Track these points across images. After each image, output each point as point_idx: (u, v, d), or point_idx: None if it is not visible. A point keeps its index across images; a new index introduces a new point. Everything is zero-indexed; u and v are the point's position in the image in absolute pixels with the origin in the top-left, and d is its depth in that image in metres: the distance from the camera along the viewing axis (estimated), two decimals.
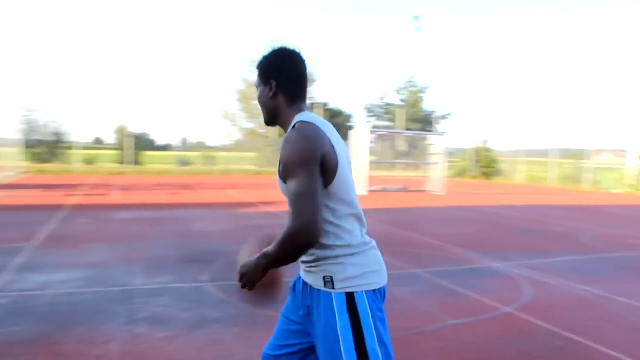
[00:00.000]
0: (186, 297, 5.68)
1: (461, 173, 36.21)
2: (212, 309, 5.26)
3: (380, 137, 32.74)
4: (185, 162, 39.83)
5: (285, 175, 2.10)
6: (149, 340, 4.41)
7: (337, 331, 2.09)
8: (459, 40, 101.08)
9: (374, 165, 22.24)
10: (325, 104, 44.24)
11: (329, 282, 2.14)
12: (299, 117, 2.21)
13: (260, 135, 46.08)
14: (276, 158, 39.26)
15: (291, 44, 2.28)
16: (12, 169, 27.92)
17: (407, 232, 10.74)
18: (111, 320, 4.88)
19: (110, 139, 50.31)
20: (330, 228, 2.12)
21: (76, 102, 63.84)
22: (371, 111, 51.72)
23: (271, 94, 2.26)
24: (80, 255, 7.73)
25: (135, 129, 47.95)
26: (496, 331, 4.92)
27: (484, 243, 9.61)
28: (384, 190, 21.54)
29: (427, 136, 26.07)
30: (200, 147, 50.83)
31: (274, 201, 16.45)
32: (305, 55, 2.28)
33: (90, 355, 4.09)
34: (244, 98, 47.12)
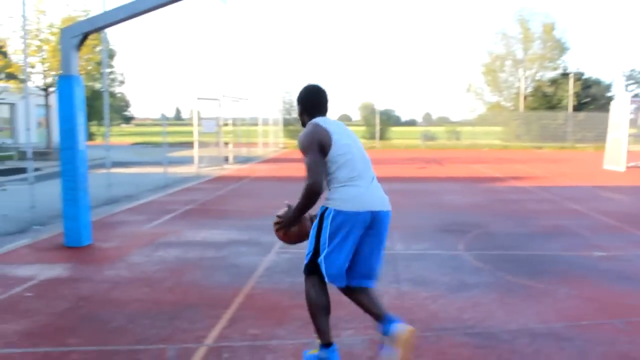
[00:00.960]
0: (444, 263, 6.06)
1: None
2: (469, 275, 5.57)
3: None
4: (429, 137, 40.31)
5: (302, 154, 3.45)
6: (413, 298, 4.88)
7: (313, 226, 3.52)
8: None
9: (634, 138, 20.33)
10: (580, 75, 41.29)
11: (325, 199, 3.46)
12: (310, 121, 3.57)
13: (506, 109, 44.73)
14: (522, 132, 37.82)
15: (314, 81, 3.82)
16: (274, 145, 31.00)
17: None
18: (380, 278, 5.44)
19: (355, 115, 52.80)
20: (330, 175, 3.43)
21: (325, 80, 67.80)
22: (632, 78, 46.90)
23: (300, 112, 3.73)
24: None
25: (381, 105, 49.90)
26: None
27: None
28: None
29: None
30: (443, 121, 50.99)
31: (524, 176, 16.10)
32: (321, 87, 3.73)
33: None
34: (489, 71, 46.04)
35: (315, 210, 3.46)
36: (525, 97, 42.33)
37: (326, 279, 3.47)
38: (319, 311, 3.55)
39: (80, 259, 6.32)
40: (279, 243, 6.99)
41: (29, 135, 8.18)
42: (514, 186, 13.73)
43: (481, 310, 4.58)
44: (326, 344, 3.51)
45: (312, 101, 3.68)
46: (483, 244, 7.01)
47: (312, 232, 3.51)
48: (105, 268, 5.90)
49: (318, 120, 3.53)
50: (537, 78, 44.78)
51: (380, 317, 3.45)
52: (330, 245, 3.37)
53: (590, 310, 4.65)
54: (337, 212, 3.35)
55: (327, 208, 3.41)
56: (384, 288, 5.12)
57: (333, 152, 3.39)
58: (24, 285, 5.28)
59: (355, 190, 3.38)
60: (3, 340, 3.96)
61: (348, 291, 3.57)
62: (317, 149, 3.38)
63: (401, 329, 3.30)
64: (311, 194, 3.34)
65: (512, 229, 8.08)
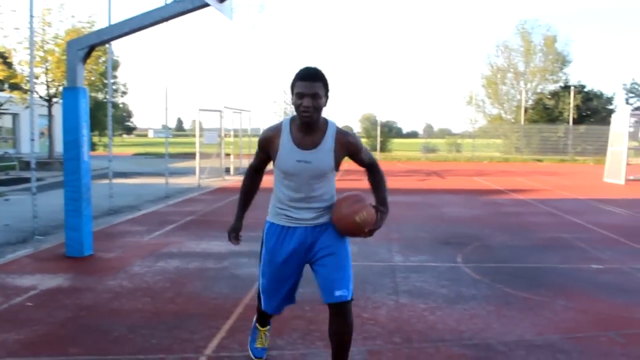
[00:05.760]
0: (443, 275, 6.11)
1: None
2: (467, 287, 5.62)
3: None
4: (430, 149, 40.43)
5: (356, 152, 3.28)
6: (412, 310, 4.92)
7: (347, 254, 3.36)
8: None
9: (635, 151, 20.37)
10: (581, 87, 41.45)
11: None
12: (332, 121, 3.24)
13: (507, 121, 44.83)
14: (522, 144, 37.83)
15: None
16: None
17: None
18: (378, 290, 5.51)
19: (356, 127, 52.92)
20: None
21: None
22: (633, 91, 47.03)
23: (326, 103, 3.14)
24: None
25: (382, 116, 50.01)
26: None
27: None
28: None
29: None
30: (445, 133, 51.13)
31: (524, 189, 16.17)
32: None
33: (363, 317, 4.71)
34: (490, 83, 46.21)
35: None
36: (526, 110, 42.44)
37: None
38: None
39: (81, 269, 6.37)
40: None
41: (32, 146, 8.24)
42: (514, 199, 13.79)
43: (478, 322, 4.63)
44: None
45: None
46: (481, 257, 7.06)
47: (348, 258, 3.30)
48: (106, 278, 5.96)
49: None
50: (538, 91, 44.97)
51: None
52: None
53: (587, 323, 4.69)
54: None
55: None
56: (382, 300, 5.18)
57: None
58: (25, 295, 5.33)
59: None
60: (4, 350, 4.01)
61: None
62: None
63: None
64: None
65: (511, 241, 8.13)
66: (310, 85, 3.01)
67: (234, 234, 3.47)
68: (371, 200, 3.28)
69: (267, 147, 3.26)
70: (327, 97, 3.10)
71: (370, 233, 3.18)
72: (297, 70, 3.09)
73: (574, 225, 9.69)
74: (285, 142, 3.16)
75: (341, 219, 3.17)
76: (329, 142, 3.15)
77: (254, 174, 3.55)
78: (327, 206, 3.25)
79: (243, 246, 7.40)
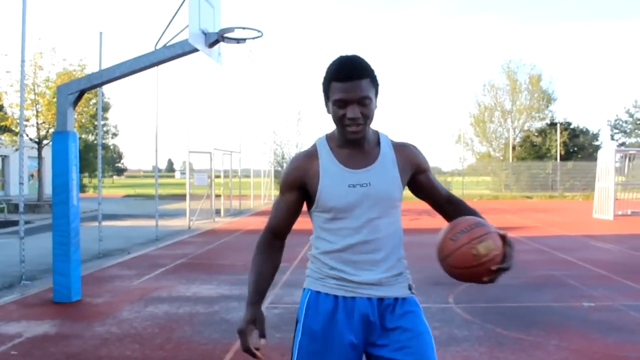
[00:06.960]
0: (434, 316, 6.07)
1: None
2: (459, 329, 5.59)
3: (629, 156, 29.72)
4: None
5: (425, 170, 2.27)
6: None
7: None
8: None
9: (621, 187, 20.57)
10: (567, 124, 42.01)
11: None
12: (383, 133, 2.26)
13: (495, 159, 45.19)
14: (511, 182, 38.04)
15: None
16: (266, 197, 31.05)
17: None
18: None
19: None
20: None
21: (316, 133, 68.28)
22: (617, 127, 47.70)
23: (377, 106, 2.14)
24: None
25: None
26: None
27: None
28: (633, 214, 19.76)
29: None
30: (434, 172, 51.40)
31: (514, 226, 16.19)
32: None
33: None
34: (478, 122, 46.70)
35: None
36: (514, 147, 42.88)
37: None
38: None
39: (69, 315, 6.29)
40: (270, 298, 7.01)
41: (21, 189, 8.20)
42: None
43: None
44: None
45: None
46: (473, 296, 7.03)
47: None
48: (94, 324, 5.87)
49: None
50: (525, 128, 45.49)
51: None
52: None
53: None
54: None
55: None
56: None
57: None
58: (10, 344, 5.23)
59: None
60: None
61: None
62: None
63: None
64: None
65: (502, 280, 7.95)
66: (353, 86, 2.01)
67: (250, 332, 2.04)
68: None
69: (301, 179, 2.15)
70: (377, 96, 2.12)
71: (495, 274, 2.14)
72: (329, 65, 2.10)
73: (564, 262, 9.69)
74: (328, 165, 2.13)
75: (455, 251, 2.08)
76: (388, 152, 2.17)
77: (273, 241, 2.32)
78: (398, 259, 2.19)
79: (233, 290, 7.39)
